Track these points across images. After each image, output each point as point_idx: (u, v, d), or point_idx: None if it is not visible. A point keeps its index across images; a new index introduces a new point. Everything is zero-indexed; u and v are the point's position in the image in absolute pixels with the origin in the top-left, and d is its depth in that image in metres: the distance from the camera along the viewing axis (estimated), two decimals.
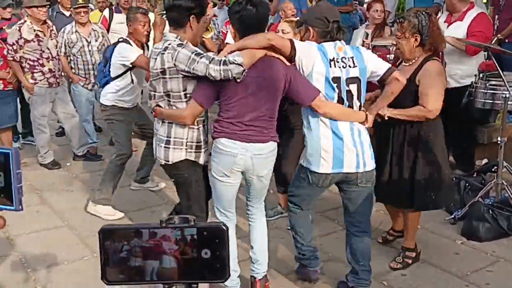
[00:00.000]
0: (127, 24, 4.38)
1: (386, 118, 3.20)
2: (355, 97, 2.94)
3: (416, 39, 3.26)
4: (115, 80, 4.40)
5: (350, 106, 2.92)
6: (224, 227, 0.92)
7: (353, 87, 2.92)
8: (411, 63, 3.36)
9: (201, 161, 3.08)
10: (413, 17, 3.24)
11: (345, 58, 2.90)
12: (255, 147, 2.86)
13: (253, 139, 2.86)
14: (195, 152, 3.02)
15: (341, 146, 2.90)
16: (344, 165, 2.92)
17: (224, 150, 2.87)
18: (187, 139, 2.98)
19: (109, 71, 4.42)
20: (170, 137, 2.98)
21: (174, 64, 2.79)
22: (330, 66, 2.85)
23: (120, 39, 4.44)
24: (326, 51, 2.86)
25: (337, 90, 2.88)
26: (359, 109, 2.98)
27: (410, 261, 3.61)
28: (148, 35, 4.38)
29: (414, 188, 3.38)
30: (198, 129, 3.01)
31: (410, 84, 3.21)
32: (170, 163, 3.01)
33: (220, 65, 2.71)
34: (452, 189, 3.69)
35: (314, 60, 2.84)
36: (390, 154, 3.43)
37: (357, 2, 9.79)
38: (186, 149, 2.99)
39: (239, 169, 2.91)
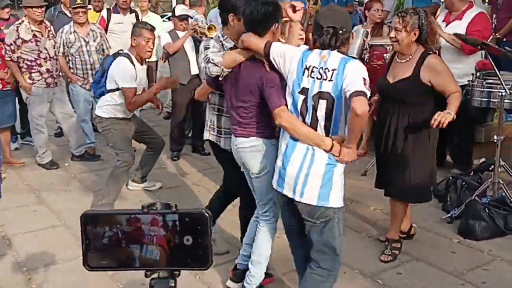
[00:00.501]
0: (131, 38, 4.32)
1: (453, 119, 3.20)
2: (320, 116, 2.54)
3: (415, 34, 3.34)
4: (111, 92, 4.37)
5: (311, 124, 2.57)
6: (206, 214, 0.92)
7: (322, 104, 2.53)
8: (408, 59, 3.42)
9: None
10: (414, 13, 3.32)
11: (324, 69, 2.52)
12: (236, 140, 3.01)
13: (236, 133, 3.01)
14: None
15: (286, 165, 2.64)
16: (285, 187, 2.67)
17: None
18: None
19: (105, 83, 4.39)
20: None
21: None
22: (303, 75, 2.58)
23: (121, 51, 4.41)
24: (307, 58, 2.59)
25: (300, 103, 2.58)
26: (326, 132, 2.57)
27: (397, 252, 3.68)
28: (151, 52, 4.38)
29: (397, 178, 3.51)
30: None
31: (414, 79, 3.35)
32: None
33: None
34: (429, 185, 3.70)
35: (291, 65, 2.64)
36: (386, 142, 3.54)
37: (357, 3, 9.78)
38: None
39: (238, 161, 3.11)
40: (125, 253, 0.92)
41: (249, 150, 2.96)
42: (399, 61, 3.47)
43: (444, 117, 3.13)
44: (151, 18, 7.40)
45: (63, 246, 3.90)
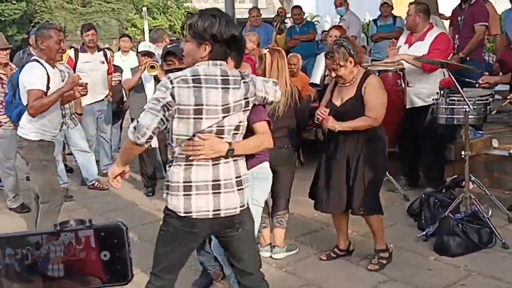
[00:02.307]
0: (37, 41, 3.98)
1: (337, 131, 3.53)
2: None
3: (350, 62, 3.56)
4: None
5: None
6: (123, 227, 0.89)
7: None
8: (352, 82, 3.64)
9: None
10: (338, 47, 3.56)
11: None
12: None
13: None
14: None
15: None
16: None
17: (268, 173, 3.18)
18: None
19: (20, 99, 4.01)
20: None
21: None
22: None
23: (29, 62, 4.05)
24: None
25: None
26: None
27: (385, 262, 3.76)
28: (63, 53, 4.11)
29: (354, 193, 3.63)
30: None
31: (358, 97, 3.59)
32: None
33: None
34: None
35: None
36: (338, 161, 3.68)
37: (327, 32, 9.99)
38: None
39: None
40: (40, 276, 0.88)
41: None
42: (343, 85, 3.69)
43: (328, 123, 3.53)
44: (132, 56, 7.47)
45: None
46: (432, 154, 5.06)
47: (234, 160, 2.47)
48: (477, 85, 4.71)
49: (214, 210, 2.43)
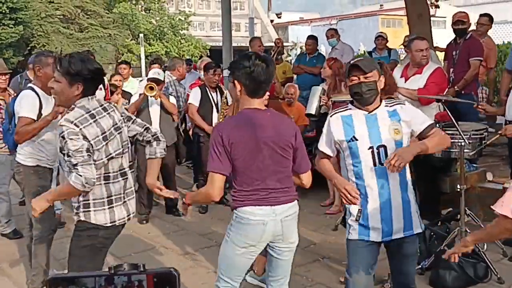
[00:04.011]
0: (34, 67, 3.97)
1: None
2: None
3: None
4: None
5: None
6: (175, 273, 0.89)
7: None
8: None
9: None
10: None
11: None
12: (284, 208, 2.78)
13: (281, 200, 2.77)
14: None
15: None
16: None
17: (249, 219, 2.73)
18: None
19: (15, 126, 3.98)
20: None
21: None
22: None
23: (24, 89, 4.08)
24: None
25: None
26: None
27: None
28: None
29: None
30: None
31: None
32: None
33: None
34: None
35: None
36: None
37: None
38: None
39: (268, 238, 2.78)
40: None
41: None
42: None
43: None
44: (132, 83, 7.53)
45: None
46: (427, 186, 5.08)
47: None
48: (476, 109, 4.79)
49: None
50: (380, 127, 2.86)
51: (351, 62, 2.93)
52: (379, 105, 2.90)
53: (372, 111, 2.89)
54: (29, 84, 4.06)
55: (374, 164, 2.84)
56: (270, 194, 2.72)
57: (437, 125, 4.47)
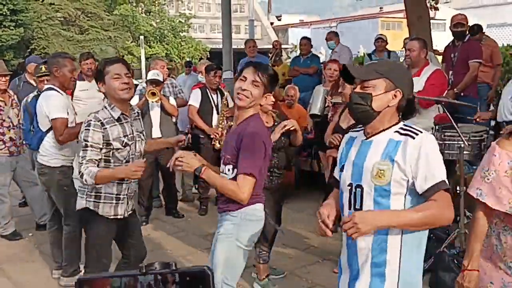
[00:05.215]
0: (52, 68, 4.06)
1: None
2: None
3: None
4: (50, 132, 4.07)
5: None
6: (209, 272, 0.87)
7: None
8: None
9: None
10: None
11: None
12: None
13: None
14: None
15: None
16: None
17: (260, 217, 2.81)
18: None
19: (39, 126, 4.09)
20: None
21: None
22: None
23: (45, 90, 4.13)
24: None
25: None
26: None
27: None
28: (75, 82, 4.16)
29: None
30: None
31: None
32: None
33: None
34: None
35: None
36: None
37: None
38: None
39: None
40: None
41: None
42: None
43: None
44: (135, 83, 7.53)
45: None
46: None
47: None
48: (474, 122, 4.78)
49: None
50: (366, 161, 2.15)
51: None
52: (386, 129, 2.16)
53: (371, 136, 2.20)
54: (48, 85, 4.13)
55: (349, 207, 2.21)
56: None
57: (437, 127, 4.49)
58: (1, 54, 22.15)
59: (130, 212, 3.41)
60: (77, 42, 26.40)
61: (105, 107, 3.13)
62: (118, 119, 3.12)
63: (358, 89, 2.18)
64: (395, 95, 2.14)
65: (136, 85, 5.73)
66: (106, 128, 3.05)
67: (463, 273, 2.37)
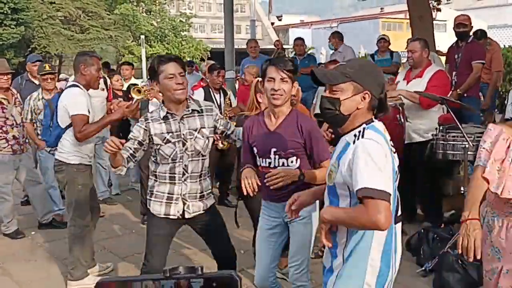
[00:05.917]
0: (79, 66, 4.04)
1: None
2: None
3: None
4: (69, 129, 4.01)
5: None
6: (237, 278, 0.84)
7: None
8: None
9: None
10: None
11: None
12: None
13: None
14: None
15: None
16: None
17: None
18: None
19: (58, 122, 4.05)
20: None
21: None
22: None
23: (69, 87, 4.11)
24: None
25: None
26: None
27: None
28: (99, 81, 4.18)
29: None
30: None
31: None
32: None
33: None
34: None
35: None
36: None
37: (323, 65, 10.13)
38: None
39: None
40: None
41: None
42: None
43: None
44: (134, 82, 7.53)
45: None
46: (430, 188, 5.08)
47: None
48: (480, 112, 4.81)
49: None
50: (332, 160, 2.27)
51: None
52: (353, 129, 2.17)
53: (342, 135, 2.25)
54: (72, 82, 4.12)
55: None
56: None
57: (441, 127, 4.48)
58: (1, 53, 22.15)
59: (197, 213, 3.30)
60: (77, 41, 26.39)
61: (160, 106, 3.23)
62: (165, 117, 3.13)
63: (327, 93, 2.19)
64: (363, 97, 2.14)
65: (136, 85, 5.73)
66: (149, 123, 3.12)
67: (466, 223, 2.46)
